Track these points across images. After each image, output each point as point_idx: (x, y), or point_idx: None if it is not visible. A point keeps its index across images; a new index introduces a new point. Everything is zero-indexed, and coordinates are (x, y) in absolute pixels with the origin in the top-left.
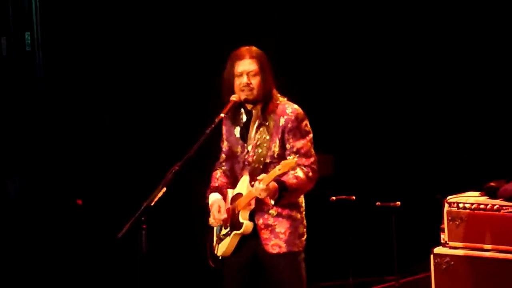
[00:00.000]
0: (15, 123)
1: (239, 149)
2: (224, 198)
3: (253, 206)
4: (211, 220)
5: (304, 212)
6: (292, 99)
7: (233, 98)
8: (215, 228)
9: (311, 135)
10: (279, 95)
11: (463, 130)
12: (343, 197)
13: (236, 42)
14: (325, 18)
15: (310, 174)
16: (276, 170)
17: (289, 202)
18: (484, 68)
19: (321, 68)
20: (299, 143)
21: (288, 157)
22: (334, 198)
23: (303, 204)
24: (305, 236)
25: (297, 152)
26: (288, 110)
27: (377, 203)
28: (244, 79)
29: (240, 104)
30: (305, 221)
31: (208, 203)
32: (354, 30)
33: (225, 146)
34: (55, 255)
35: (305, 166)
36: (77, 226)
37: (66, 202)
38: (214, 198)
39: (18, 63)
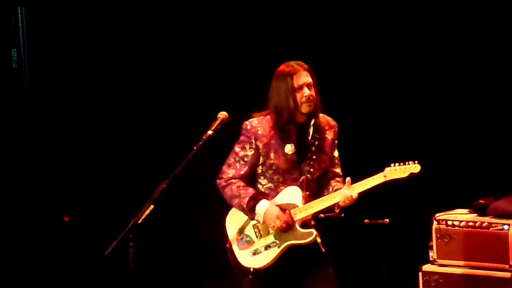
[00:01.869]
0: (1, 140)
1: (287, 165)
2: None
3: (310, 217)
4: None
5: None
6: None
7: (221, 115)
8: (235, 240)
9: None
10: None
11: (452, 147)
12: (332, 214)
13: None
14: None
15: None
16: (383, 176)
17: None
18: (472, 85)
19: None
20: (337, 153)
21: (337, 177)
22: (322, 215)
23: None
24: None
25: (337, 162)
26: (332, 123)
27: (366, 221)
28: (307, 91)
29: (289, 119)
30: None
31: (250, 210)
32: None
33: (252, 160)
34: (42, 273)
35: (340, 176)
36: (64, 243)
37: (53, 219)
38: (267, 205)
39: (5, 80)
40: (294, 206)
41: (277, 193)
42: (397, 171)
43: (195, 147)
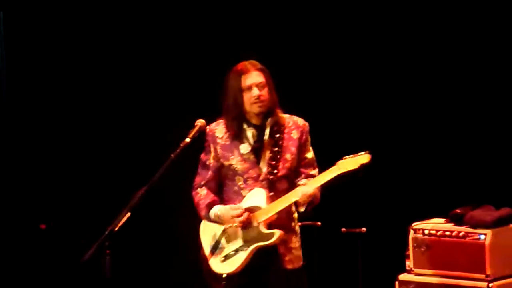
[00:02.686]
0: None
1: (245, 166)
2: None
3: (274, 218)
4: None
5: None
6: None
7: (198, 123)
8: (208, 247)
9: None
10: None
11: (429, 156)
12: (309, 223)
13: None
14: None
15: None
16: (337, 169)
17: (294, 216)
18: (454, 92)
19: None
20: (310, 154)
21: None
22: (299, 224)
23: None
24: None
25: (308, 162)
26: (300, 122)
27: (343, 229)
28: (255, 91)
29: (242, 120)
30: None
31: (209, 219)
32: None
33: (213, 164)
34: (18, 281)
35: (314, 176)
36: (40, 251)
37: (29, 227)
38: (221, 209)
39: None
40: (259, 208)
41: (243, 196)
42: (348, 163)
43: (172, 155)
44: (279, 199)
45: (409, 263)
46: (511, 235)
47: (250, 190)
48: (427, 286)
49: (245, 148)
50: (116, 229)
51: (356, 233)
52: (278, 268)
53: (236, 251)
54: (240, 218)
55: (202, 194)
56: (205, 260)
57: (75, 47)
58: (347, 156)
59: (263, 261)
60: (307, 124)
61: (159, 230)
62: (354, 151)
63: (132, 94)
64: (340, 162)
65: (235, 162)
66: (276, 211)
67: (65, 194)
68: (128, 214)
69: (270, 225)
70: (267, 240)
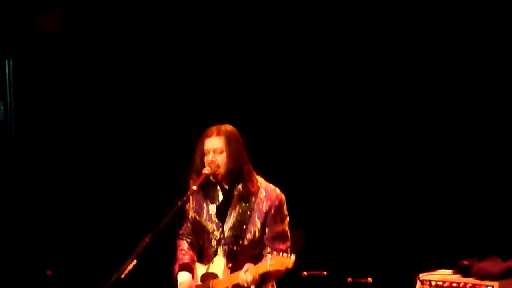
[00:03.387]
0: None
1: (211, 227)
2: (193, 274)
3: None
4: None
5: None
6: (263, 173)
7: (205, 171)
8: None
9: (288, 219)
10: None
11: (435, 207)
12: (315, 272)
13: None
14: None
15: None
16: (268, 265)
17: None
18: (458, 148)
19: (288, 139)
20: (278, 228)
21: (269, 254)
22: (305, 273)
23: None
24: None
25: (276, 237)
26: (272, 196)
27: (349, 279)
28: (210, 156)
29: (217, 183)
30: None
31: (175, 278)
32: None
33: (191, 216)
34: None
35: (282, 251)
36: None
37: (36, 273)
38: (184, 278)
39: None
40: (216, 277)
41: (210, 258)
42: (278, 261)
43: (179, 202)
44: (231, 275)
45: None
46: None
47: (215, 253)
48: None
49: (212, 209)
50: (122, 276)
51: (362, 283)
52: None
53: None
54: None
55: (182, 250)
56: None
57: (83, 95)
58: (279, 256)
59: None
60: (281, 197)
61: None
62: (365, 198)
63: (133, 143)
64: (275, 257)
65: (204, 220)
66: (229, 285)
67: (71, 240)
68: (134, 262)
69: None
70: None
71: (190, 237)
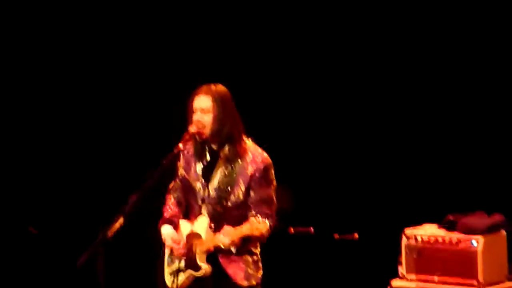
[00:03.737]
0: None
1: (198, 186)
2: (175, 229)
3: (212, 250)
4: (173, 253)
5: (259, 248)
6: (251, 131)
7: (191, 129)
8: (165, 259)
9: (274, 183)
10: (245, 138)
11: (421, 162)
12: (302, 229)
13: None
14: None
15: (271, 223)
16: (244, 230)
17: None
18: (442, 98)
19: (279, 98)
20: (263, 193)
21: (253, 217)
22: (292, 230)
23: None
24: (261, 271)
25: (261, 201)
26: (258, 159)
27: (335, 236)
28: (197, 115)
29: (205, 142)
30: (259, 256)
31: (160, 233)
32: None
33: (180, 174)
34: (10, 286)
35: (266, 215)
36: (32, 256)
37: (21, 231)
38: (167, 231)
39: None
40: (200, 236)
41: (195, 216)
42: (253, 226)
43: (165, 161)
44: (211, 237)
45: (402, 269)
46: (503, 242)
47: (200, 211)
48: None
49: (199, 168)
50: (109, 235)
51: (349, 239)
52: (231, 284)
53: (178, 271)
54: (179, 249)
55: (167, 205)
56: (161, 267)
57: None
58: (255, 220)
59: (216, 281)
60: (268, 162)
61: (152, 234)
62: (350, 153)
63: (126, 95)
64: (252, 221)
65: (191, 178)
66: (210, 247)
67: (59, 199)
68: (121, 220)
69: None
70: (196, 271)
71: (177, 193)
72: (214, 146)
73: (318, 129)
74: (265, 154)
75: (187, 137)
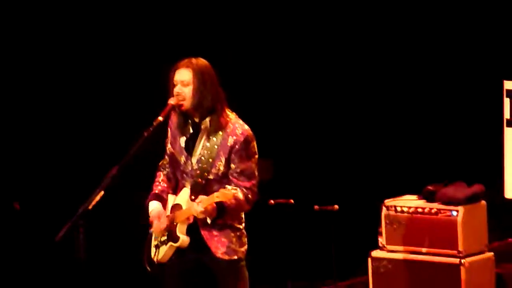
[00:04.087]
0: None
1: (182, 159)
2: (164, 204)
3: (191, 221)
4: (152, 228)
5: (244, 223)
6: (232, 103)
7: (171, 101)
8: (153, 234)
9: (256, 157)
10: (228, 111)
11: (401, 133)
12: (282, 200)
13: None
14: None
15: (250, 196)
16: (214, 197)
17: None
18: (422, 75)
19: (259, 72)
20: (244, 165)
21: (227, 186)
22: (272, 201)
23: (243, 216)
24: (246, 246)
25: (241, 173)
26: (238, 131)
27: (316, 207)
28: (177, 88)
29: (187, 115)
30: (244, 232)
31: (147, 209)
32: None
33: (169, 148)
34: None
35: (246, 188)
36: (13, 230)
37: (3, 206)
38: (153, 206)
39: None
40: (180, 207)
41: (180, 190)
42: (223, 194)
43: (145, 133)
44: (188, 207)
45: (382, 240)
46: (483, 212)
47: (185, 186)
48: (399, 262)
49: (183, 141)
50: (89, 208)
51: (329, 210)
52: (211, 260)
53: (162, 243)
54: (160, 224)
55: (157, 181)
56: (149, 241)
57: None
58: (225, 189)
59: (196, 254)
60: (248, 134)
61: (133, 208)
62: (330, 125)
63: (107, 68)
64: (221, 190)
65: (177, 153)
66: (187, 216)
67: (40, 173)
68: (102, 193)
69: (195, 224)
70: (175, 242)
71: (167, 169)
72: (196, 119)
73: (299, 102)
74: (246, 126)
75: (167, 109)
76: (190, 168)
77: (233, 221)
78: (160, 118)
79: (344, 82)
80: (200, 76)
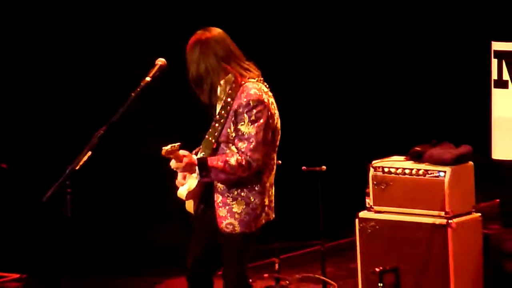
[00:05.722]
0: None
1: (212, 123)
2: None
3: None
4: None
5: (266, 199)
6: None
7: (159, 62)
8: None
9: (261, 122)
10: (247, 73)
11: (388, 94)
12: None
13: None
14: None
15: (244, 162)
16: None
17: (245, 185)
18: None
19: (252, 29)
20: (245, 128)
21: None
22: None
23: (266, 191)
24: (261, 219)
25: (240, 136)
26: (244, 94)
27: (303, 168)
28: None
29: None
30: (264, 207)
31: None
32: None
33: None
34: None
35: (241, 151)
36: (1, 190)
37: None
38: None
39: None
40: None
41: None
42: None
43: (132, 94)
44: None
45: (369, 201)
46: (470, 173)
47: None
48: (387, 223)
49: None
50: (76, 168)
51: (317, 171)
52: (215, 229)
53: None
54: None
55: None
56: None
57: None
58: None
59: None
60: (251, 98)
61: (120, 168)
62: (318, 87)
63: (94, 33)
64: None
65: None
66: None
67: (27, 134)
68: (89, 153)
69: (211, 191)
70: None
71: None
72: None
73: (286, 63)
74: (253, 91)
75: (154, 69)
76: (210, 130)
77: (250, 192)
78: (148, 79)
79: (332, 46)
80: (198, 49)
